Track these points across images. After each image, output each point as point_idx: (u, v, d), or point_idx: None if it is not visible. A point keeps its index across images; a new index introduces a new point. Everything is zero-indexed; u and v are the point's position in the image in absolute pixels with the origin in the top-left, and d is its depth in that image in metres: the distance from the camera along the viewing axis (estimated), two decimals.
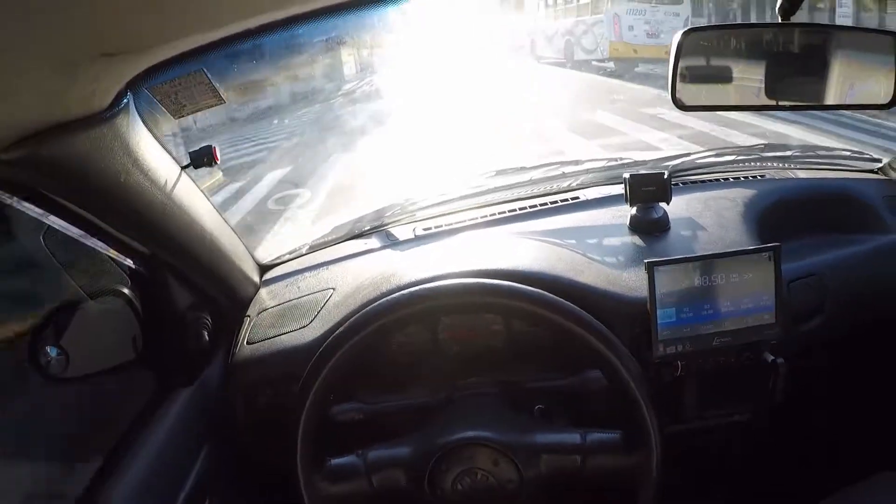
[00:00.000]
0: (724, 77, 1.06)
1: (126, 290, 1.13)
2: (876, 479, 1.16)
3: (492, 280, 1.10)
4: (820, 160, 1.75)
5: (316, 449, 1.06)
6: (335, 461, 1.07)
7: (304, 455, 1.04)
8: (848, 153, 1.79)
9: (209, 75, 0.80)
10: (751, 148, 1.77)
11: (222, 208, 1.23)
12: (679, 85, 1.04)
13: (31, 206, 0.85)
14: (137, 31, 0.59)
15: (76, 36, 0.55)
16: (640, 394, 1.02)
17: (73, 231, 0.94)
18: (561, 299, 1.06)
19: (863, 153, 1.76)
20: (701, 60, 1.05)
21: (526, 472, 1.04)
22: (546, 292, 1.07)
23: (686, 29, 1.02)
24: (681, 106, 1.05)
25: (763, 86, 1.07)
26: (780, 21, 0.96)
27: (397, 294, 1.07)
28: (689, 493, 1.45)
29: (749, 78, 1.06)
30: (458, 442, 1.04)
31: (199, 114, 0.86)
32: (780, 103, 1.07)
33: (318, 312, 1.28)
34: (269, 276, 1.45)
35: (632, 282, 1.23)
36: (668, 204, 1.38)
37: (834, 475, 1.25)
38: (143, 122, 0.87)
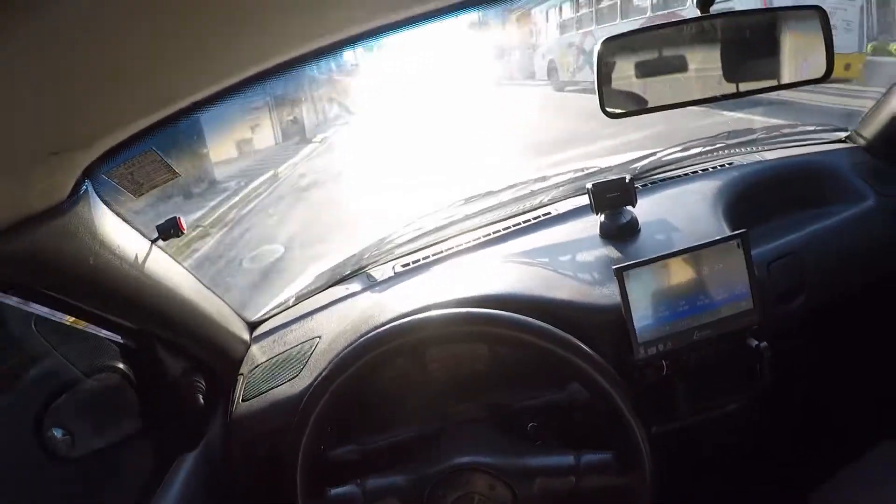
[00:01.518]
0: (648, 76, 1.07)
1: (120, 365, 1.15)
2: (879, 452, 1.16)
3: (467, 309, 1.12)
4: (786, 138, 1.76)
5: (315, 482, 1.08)
6: (334, 491, 1.08)
7: (304, 487, 1.07)
8: (812, 127, 1.80)
9: (160, 153, 0.83)
10: (715, 137, 1.78)
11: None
12: (605, 95, 1.06)
13: (16, 299, 0.88)
14: (82, 127, 0.62)
15: (22, 139, 0.57)
16: (626, 408, 1.03)
17: (59, 316, 0.97)
18: (535, 321, 1.08)
19: (828, 125, 1.77)
20: (625, 68, 1.07)
21: (521, 494, 1.06)
22: (517, 315, 1.09)
23: (604, 38, 1.04)
24: (610, 115, 1.07)
25: (691, 82, 1.09)
26: (699, 14, 0.97)
27: (372, 334, 1.09)
28: (687, 489, 1.45)
29: (674, 77, 1.08)
30: (454, 468, 1.06)
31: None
32: (714, 94, 1.09)
33: (307, 362, 1.30)
34: (258, 332, 1.47)
35: (606, 290, 1.25)
36: (633, 207, 1.40)
37: (833, 449, 1.25)
38: (106, 204, 0.90)
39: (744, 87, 1.08)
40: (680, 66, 1.07)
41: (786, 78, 1.10)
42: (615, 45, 1.06)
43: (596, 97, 1.07)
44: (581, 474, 1.05)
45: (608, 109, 1.07)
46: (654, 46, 1.08)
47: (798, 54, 1.10)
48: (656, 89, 1.08)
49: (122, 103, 0.62)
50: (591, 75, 1.06)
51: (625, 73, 1.07)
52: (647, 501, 1.05)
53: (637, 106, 1.08)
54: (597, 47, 1.05)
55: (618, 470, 1.05)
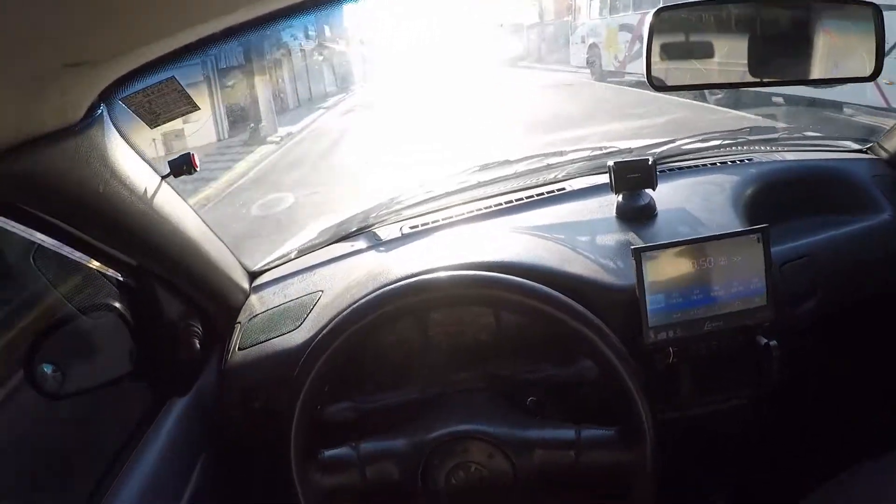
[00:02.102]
0: (703, 55, 1.05)
1: (116, 304, 1.13)
2: (879, 460, 1.15)
3: (480, 272, 1.09)
4: (808, 142, 1.75)
5: (309, 442, 1.06)
6: (328, 452, 1.07)
7: (298, 447, 1.04)
8: (836, 134, 1.79)
9: (181, 82, 0.80)
10: (737, 132, 1.76)
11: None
12: (655, 65, 1.03)
13: (14, 223, 0.84)
14: (101, 41, 0.59)
15: (38, 49, 0.54)
16: (634, 386, 1.01)
17: (59, 246, 0.94)
18: (550, 290, 1.06)
19: (851, 134, 1.76)
20: (678, 39, 1.05)
21: (519, 465, 1.04)
22: (532, 282, 1.06)
23: (658, 8, 1.01)
24: (659, 87, 1.04)
25: (746, 62, 1.07)
26: None
27: (383, 290, 1.07)
28: (689, 479, 1.45)
29: (730, 55, 1.06)
30: (452, 435, 1.05)
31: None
32: (763, 80, 1.07)
33: (308, 315, 1.28)
34: (258, 282, 1.45)
35: (620, 269, 1.23)
36: (654, 190, 1.37)
37: (835, 454, 1.25)
38: (120, 132, 0.87)
39: (788, 74, 1.06)
40: (733, 45, 1.04)
41: (828, 72, 1.07)
42: (668, 17, 1.03)
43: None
44: (581, 448, 1.04)
45: (655, 81, 1.04)
46: (707, 23, 1.06)
47: (849, 50, 1.08)
48: (706, 66, 1.05)
49: (150, 19, 0.58)
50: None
51: (675, 47, 1.04)
52: (647, 481, 1.03)
53: (684, 81, 1.06)
54: (648, 17, 1.01)
55: (619, 446, 1.04)
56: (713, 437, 1.43)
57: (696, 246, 1.16)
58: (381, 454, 1.07)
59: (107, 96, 0.76)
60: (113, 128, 0.85)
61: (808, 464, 1.41)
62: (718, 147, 1.68)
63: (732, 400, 1.29)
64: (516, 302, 1.07)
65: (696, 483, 1.51)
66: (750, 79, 1.04)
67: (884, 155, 1.59)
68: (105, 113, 0.81)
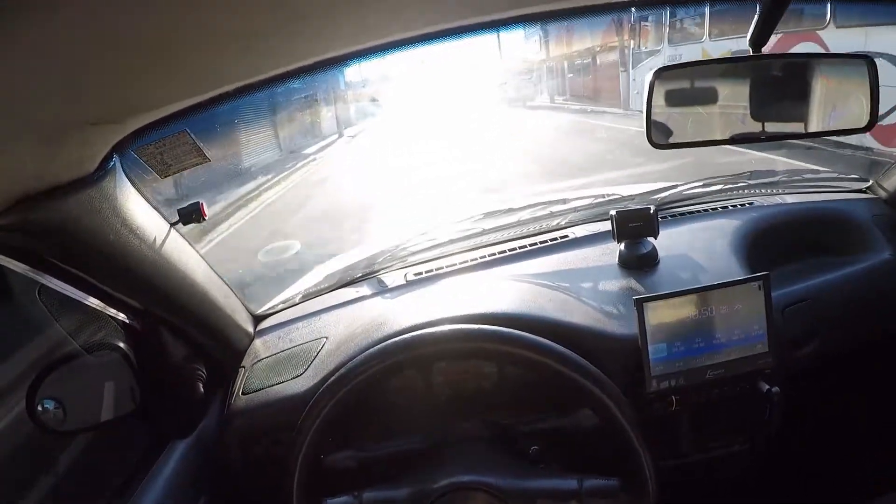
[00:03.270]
0: (702, 111, 1.07)
1: (121, 344, 1.13)
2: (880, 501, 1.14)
3: (479, 326, 1.10)
4: (807, 183, 1.76)
5: (311, 491, 1.05)
6: (331, 501, 1.06)
7: (300, 497, 1.04)
8: (835, 174, 1.79)
9: (193, 135, 0.82)
10: (737, 176, 1.77)
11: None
12: (654, 125, 1.05)
13: (25, 267, 0.86)
14: (121, 100, 0.61)
15: (63, 107, 0.56)
16: (635, 435, 1.01)
17: (68, 289, 0.95)
18: (549, 342, 1.06)
19: (850, 174, 1.77)
20: (675, 99, 1.07)
21: None
22: (534, 336, 1.07)
23: (657, 68, 1.04)
24: (657, 145, 1.06)
25: (745, 117, 1.08)
26: (751, 53, 0.97)
27: (388, 342, 1.07)
28: None
29: (729, 112, 1.08)
30: (454, 486, 1.04)
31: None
32: (762, 134, 1.08)
33: (312, 361, 1.28)
34: (262, 326, 1.46)
35: (622, 319, 1.23)
36: (655, 238, 1.38)
37: (835, 497, 1.24)
38: (131, 182, 0.89)
39: (788, 129, 1.08)
40: (732, 102, 1.06)
41: (825, 125, 1.09)
42: (667, 76, 1.05)
43: None
44: (584, 499, 1.03)
45: (654, 140, 1.06)
46: (705, 80, 1.08)
47: (845, 102, 1.10)
48: (705, 123, 1.07)
49: (165, 81, 0.60)
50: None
51: (675, 105, 1.06)
52: None
53: (685, 139, 1.07)
54: (648, 77, 1.03)
55: (621, 496, 1.03)
56: (713, 483, 1.42)
57: (698, 295, 1.17)
58: (383, 503, 1.06)
59: (121, 148, 0.79)
60: (125, 178, 0.87)
61: None
62: (720, 192, 1.69)
63: (733, 446, 1.29)
64: (517, 355, 1.07)
65: None
66: (750, 134, 1.06)
67: (883, 194, 1.60)
68: (118, 163, 0.83)
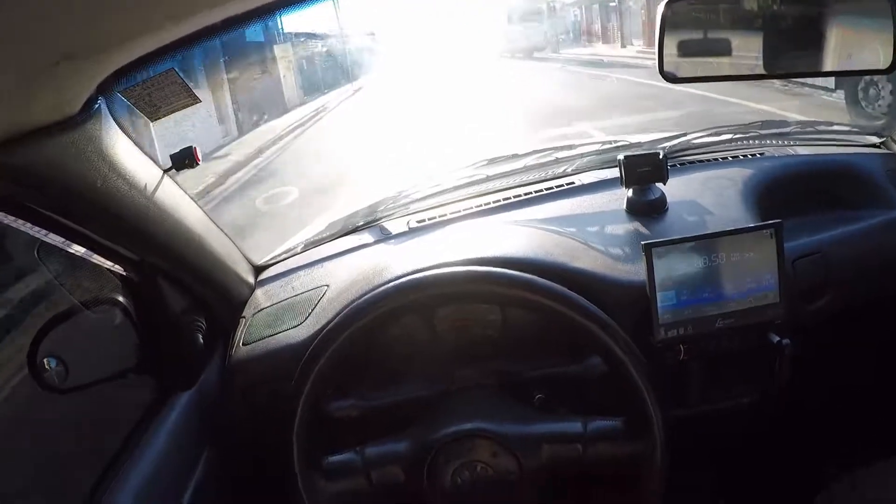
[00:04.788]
0: (718, 48, 1.03)
1: (120, 298, 1.12)
2: (889, 460, 1.14)
3: (485, 268, 1.08)
4: (819, 136, 1.72)
5: (313, 447, 1.04)
6: (332, 458, 1.05)
7: (301, 453, 1.03)
8: (848, 128, 1.75)
9: (181, 74, 0.78)
10: (748, 125, 1.74)
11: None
12: (667, 57, 1.02)
13: (13, 218, 0.84)
14: (95, 34, 0.57)
15: (34, 41, 0.53)
16: (641, 380, 0.99)
17: (60, 241, 0.93)
18: (558, 286, 1.04)
19: (864, 127, 1.73)
20: (691, 32, 1.03)
21: (526, 462, 1.02)
22: (542, 279, 1.04)
23: (668, 1, 0.99)
24: (670, 79, 1.03)
25: (759, 55, 1.05)
26: None
27: (389, 285, 1.05)
28: (695, 478, 1.43)
29: (743, 48, 1.04)
30: (456, 434, 1.03)
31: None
32: (777, 72, 1.05)
33: (313, 310, 1.26)
34: (263, 276, 1.44)
35: (630, 265, 1.21)
36: (664, 184, 1.35)
37: (845, 453, 1.23)
38: (120, 126, 0.86)
39: (801, 67, 1.04)
40: (743, 38, 1.02)
41: (846, 64, 1.05)
42: (680, 8, 1.01)
43: None
44: (588, 441, 1.02)
45: (667, 72, 1.02)
46: (720, 15, 1.04)
47: (860, 40, 1.05)
48: (723, 59, 1.03)
49: (145, 10, 0.57)
50: None
51: (687, 39, 1.03)
52: (656, 472, 1.01)
53: (696, 73, 1.04)
54: (660, 8, 0.99)
55: (627, 437, 1.02)
56: (721, 434, 1.42)
57: (707, 241, 1.14)
58: (385, 458, 1.05)
59: (105, 89, 0.75)
60: (112, 121, 0.84)
61: (816, 462, 1.39)
62: (730, 141, 1.65)
63: (742, 398, 1.27)
64: (523, 298, 1.05)
65: (702, 482, 1.49)
66: (763, 71, 1.02)
67: None
68: (104, 106, 0.80)
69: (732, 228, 1.16)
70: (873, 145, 1.62)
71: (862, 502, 1.10)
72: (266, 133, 10.11)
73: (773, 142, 1.66)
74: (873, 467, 1.13)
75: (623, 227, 1.33)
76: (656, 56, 1.00)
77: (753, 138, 1.67)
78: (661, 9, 0.99)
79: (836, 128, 1.79)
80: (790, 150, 1.61)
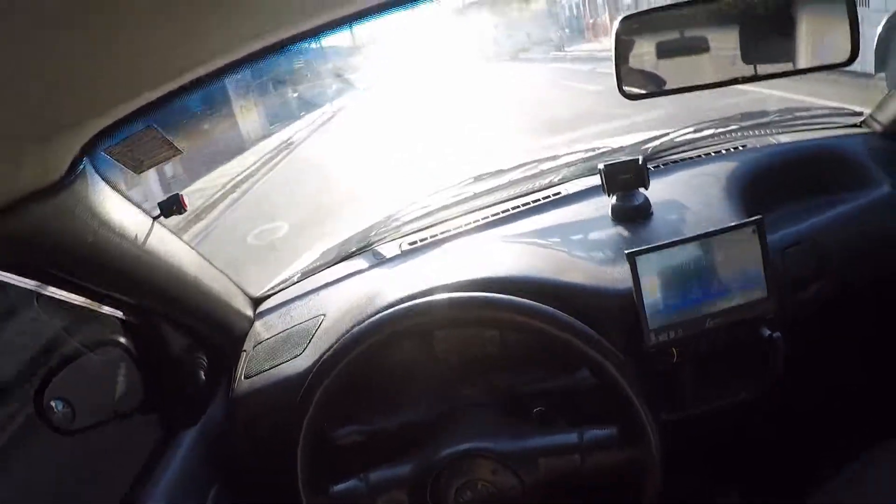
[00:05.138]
0: (667, 56, 1.05)
1: (121, 339, 1.15)
2: (888, 449, 1.14)
3: (470, 294, 1.10)
4: (800, 121, 1.72)
5: (318, 475, 1.07)
6: (338, 487, 1.07)
7: (307, 482, 1.05)
8: (828, 110, 1.76)
9: (160, 130, 0.81)
10: (728, 119, 1.74)
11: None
12: (623, 75, 1.03)
13: (11, 276, 0.86)
14: (74, 104, 0.60)
15: (12, 114, 0.55)
16: (632, 388, 1.01)
17: (60, 293, 0.96)
18: (541, 306, 1.06)
19: (843, 108, 1.73)
20: (644, 47, 1.05)
21: (526, 477, 1.04)
22: (525, 300, 1.06)
23: (623, 16, 1.01)
24: (628, 95, 1.04)
25: (735, 58, 1.06)
26: None
27: (382, 315, 1.07)
28: (695, 479, 1.44)
29: (704, 59, 1.05)
30: (455, 455, 1.05)
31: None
32: (741, 78, 1.06)
33: (311, 340, 1.28)
34: (262, 308, 1.46)
35: (617, 273, 1.22)
36: (646, 189, 1.37)
37: (844, 444, 1.24)
38: (106, 181, 0.89)
39: (762, 70, 1.05)
40: (699, 46, 1.04)
41: (806, 62, 1.07)
42: (634, 23, 1.03)
43: None
44: (585, 451, 1.04)
45: (626, 90, 1.04)
46: (673, 26, 1.05)
47: (820, 37, 1.07)
48: (675, 70, 1.05)
49: (116, 82, 0.59)
50: None
51: (643, 53, 1.05)
52: (654, 477, 1.03)
53: (655, 87, 1.06)
54: (614, 25, 1.01)
55: (622, 444, 1.04)
56: (718, 434, 1.42)
57: (689, 244, 1.15)
58: (389, 482, 1.07)
59: (88, 150, 0.78)
60: (98, 178, 0.86)
61: (812, 459, 1.39)
62: (711, 136, 1.66)
63: (737, 395, 1.28)
64: (507, 320, 1.07)
65: (702, 483, 1.50)
66: (726, 78, 1.04)
67: (877, 127, 1.56)
68: (89, 166, 0.82)
69: (714, 229, 1.17)
70: (854, 125, 1.63)
71: (859, 497, 1.11)
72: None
73: (754, 132, 1.67)
74: (870, 462, 1.14)
75: (609, 234, 1.35)
76: (613, 73, 1.02)
77: (734, 131, 1.68)
78: (615, 25, 1.01)
79: (815, 111, 1.79)
80: (772, 140, 1.61)
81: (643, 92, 1.05)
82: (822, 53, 1.08)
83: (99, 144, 0.77)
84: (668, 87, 1.05)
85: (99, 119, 0.68)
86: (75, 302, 1.00)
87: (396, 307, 1.08)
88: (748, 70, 1.05)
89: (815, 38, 1.07)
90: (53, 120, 0.61)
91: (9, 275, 0.85)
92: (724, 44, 1.02)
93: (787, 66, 1.05)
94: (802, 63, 1.05)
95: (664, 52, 1.04)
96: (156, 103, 0.69)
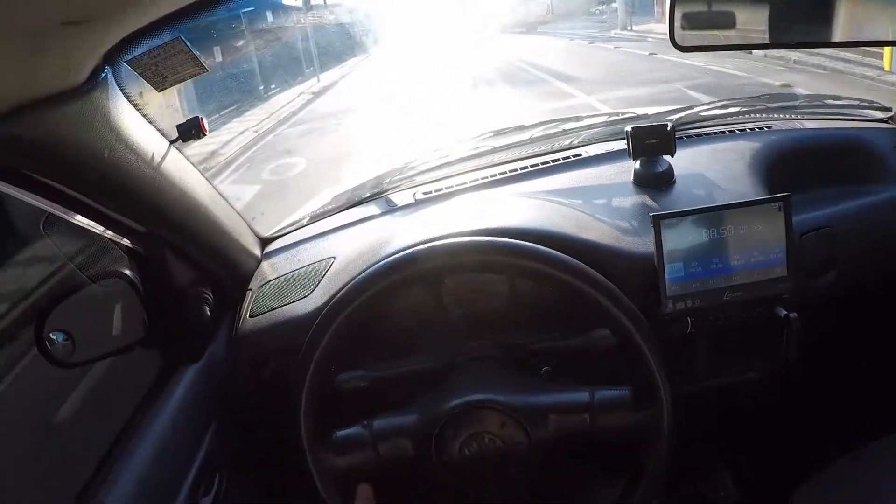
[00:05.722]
0: (726, 19, 1.01)
1: (126, 271, 1.12)
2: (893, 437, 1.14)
3: (493, 238, 1.07)
4: (827, 110, 1.71)
5: (321, 421, 1.04)
6: (341, 433, 1.05)
7: (309, 428, 1.03)
8: (857, 102, 1.73)
9: (188, 43, 0.77)
10: (755, 98, 1.72)
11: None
12: (678, 26, 1.00)
13: (18, 189, 0.83)
14: None
15: (36, 6, 0.52)
16: (649, 350, 1.00)
17: (66, 212, 0.93)
18: (566, 256, 1.03)
19: (872, 102, 1.70)
20: (700, 5, 1.01)
21: (534, 433, 1.02)
22: (546, 248, 1.04)
23: None
24: (680, 48, 1.01)
25: (767, 26, 1.03)
26: None
27: (396, 255, 1.04)
28: (699, 453, 1.44)
29: (751, 18, 1.02)
30: (464, 406, 1.03)
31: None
32: (785, 41, 1.03)
33: (320, 282, 1.26)
34: (270, 248, 1.44)
35: (638, 237, 1.20)
36: (672, 156, 1.34)
37: (850, 430, 1.23)
38: (126, 96, 0.85)
39: (813, 38, 1.02)
40: (754, 9, 1.00)
41: (859, 35, 1.03)
42: None
43: None
44: (596, 411, 1.02)
45: (678, 41, 1.01)
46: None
47: (875, 13, 1.04)
48: (732, 28, 1.02)
49: None
50: None
51: (699, 6, 1.01)
52: (663, 442, 1.01)
53: (709, 41, 1.02)
54: None
55: (634, 406, 1.02)
56: (726, 410, 1.42)
57: (715, 214, 1.13)
58: (393, 430, 1.05)
59: (111, 58, 0.75)
60: (119, 91, 0.83)
61: (821, 439, 1.39)
62: (737, 114, 1.64)
63: (748, 373, 1.27)
64: (531, 268, 1.04)
65: (707, 456, 1.50)
66: (771, 41, 1.01)
67: None
68: (110, 76, 0.79)
69: (741, 201, 1.15)
70: (881, 120, 1.61)
71: (866, 477, 1.10)
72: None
73: (781, 115, 1.65)
74: (878, 442, 1.13)
75: (630, 199, 1.32)
76: (667, 25, 0.99)
77: (761, 111, 1.66)
78: None
79: (844, 102, 1.77)
80: (797, 124, 1.59)
81: (695, 45, 1.02)
82: (868, 30, 1.05)
83: (123, 53, 0.73)
84: (722, 42, 1.01)
85: (124, 20, 0.65)
86: (81, 224, 0.97)
87: (410, 249, 1.05)
88: (796, 36, 1.01)
89: (864, 14, 1.04)
90: (77, 14, 0.58)
91: (13, 188, 0.81)
92: (776, 10, 0.99)
93: (836, 37, 1.01)
94: (849, 36, 1.01)
95: (716, 14, 1.01)
96: (185, 11, 0.66)
